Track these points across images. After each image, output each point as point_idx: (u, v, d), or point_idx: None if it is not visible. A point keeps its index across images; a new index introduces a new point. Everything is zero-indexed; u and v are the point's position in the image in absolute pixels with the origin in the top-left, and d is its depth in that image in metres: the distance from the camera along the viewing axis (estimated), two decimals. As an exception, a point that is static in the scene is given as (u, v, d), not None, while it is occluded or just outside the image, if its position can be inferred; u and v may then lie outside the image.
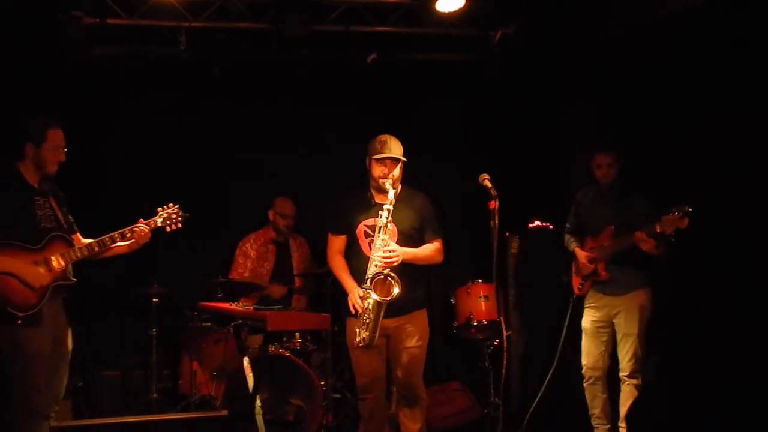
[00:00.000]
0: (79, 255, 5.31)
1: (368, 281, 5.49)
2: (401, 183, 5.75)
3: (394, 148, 5.68)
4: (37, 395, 5.15)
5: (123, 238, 5.45)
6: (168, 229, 5.60)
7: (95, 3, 6.97)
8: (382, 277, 5.48)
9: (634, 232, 5.88)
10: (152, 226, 5.54)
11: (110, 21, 7.07)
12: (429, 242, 5.81)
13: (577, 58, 7.68)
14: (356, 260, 5.76)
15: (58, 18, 6.87)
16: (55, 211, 5.39)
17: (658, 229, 5.70)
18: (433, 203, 5.91)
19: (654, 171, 6.48)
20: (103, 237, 5.40)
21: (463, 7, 7.01)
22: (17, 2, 6.75)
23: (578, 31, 7.47)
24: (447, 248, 5.84)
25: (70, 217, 5.52)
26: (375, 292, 5.46)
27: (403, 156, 5.69)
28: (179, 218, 5.62)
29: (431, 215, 5.85)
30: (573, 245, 6.48)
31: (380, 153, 5.65)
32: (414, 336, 5.76)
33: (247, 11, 7.30)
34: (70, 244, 5.35)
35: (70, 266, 5.34)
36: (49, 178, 5.40)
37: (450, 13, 7.12)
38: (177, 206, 5.64)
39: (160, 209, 5.62)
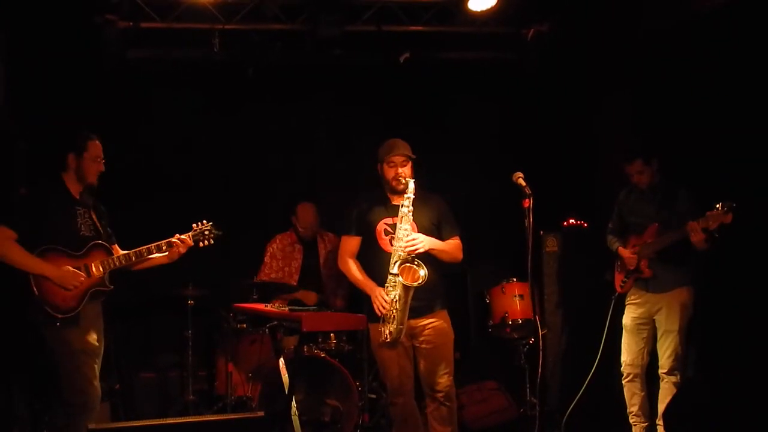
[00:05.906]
0: (117, 264, 5.44)
1: (395, 266, 5.49)
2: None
3: (402, 147, 5.72)
4: (91, 388, 5.31)
5: (159, 250, 5.54)
6: (201, 245, 5.67)
7: (129, 7, 7.02)
8: (408, 264, 5.49)
9: (687, 223, 5.78)
10: (188, 243, 5.61)
11: (144, 24, 7.12)
12: (449, 239, 5.82)
13: (612, 55, 7.64)
14: (375, 259, 5.76)
15: (93, 22, 6.92)
16: (95, 222, 5.51)
17: (701, 225, 5.66)
18: (447, 203, 5.93)
19: (692, 168, 6.44)
20: (140, 248, 5.49)
21: (496, 5, 6.98)
22: (53, 5, 6.82)
23: (612, 29, 7.43)
24: (482, 247, 5.82)
25: (109, 230, 5.64)
26: (402, 277, 5.45)
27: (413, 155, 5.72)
28: (212, 235, 5.68)
29: (447, 214, 5.88)
30: (616, 245, 6.42)
31: (389, 154, 5.70)
32: (439, 334, 5.75)
33: (280, 13, 7.32)
34: (110, 252, 5.49)
35: (107, 273, 5.46)
36: (91, 190, 5.53)
37: (483, 12, 7.09)
38: (211, 224, 5.70)
39: (195, 225, 5.68)
